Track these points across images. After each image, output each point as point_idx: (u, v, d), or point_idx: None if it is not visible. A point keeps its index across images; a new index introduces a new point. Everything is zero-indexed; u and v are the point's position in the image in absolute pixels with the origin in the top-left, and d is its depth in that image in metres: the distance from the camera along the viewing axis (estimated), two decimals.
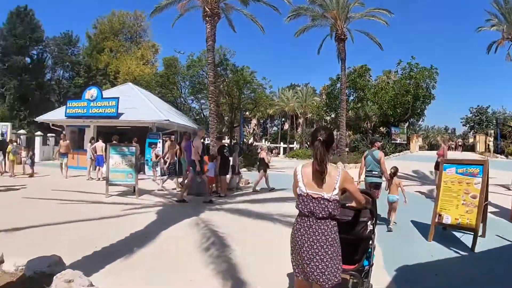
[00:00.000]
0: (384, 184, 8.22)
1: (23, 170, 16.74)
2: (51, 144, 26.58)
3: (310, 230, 2.78)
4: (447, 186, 6.87)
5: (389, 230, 7.26)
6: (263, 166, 13.12)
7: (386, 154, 27.65)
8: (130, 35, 51.31)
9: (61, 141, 16.75)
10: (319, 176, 2.78)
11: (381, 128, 36.19)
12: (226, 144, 13.80)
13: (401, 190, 7.61)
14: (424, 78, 31.89)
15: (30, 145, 20.67)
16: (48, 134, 26.86)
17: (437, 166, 12.20)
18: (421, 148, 34.28)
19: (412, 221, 8.00)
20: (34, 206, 9.26)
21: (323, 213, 2.75)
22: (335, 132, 37.13)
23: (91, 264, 4.78)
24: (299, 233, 2.83)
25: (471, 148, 37.93)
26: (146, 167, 18.37)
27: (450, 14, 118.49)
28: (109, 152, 11.41)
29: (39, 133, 26.52)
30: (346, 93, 33.25)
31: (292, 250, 2.94)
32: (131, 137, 17.23)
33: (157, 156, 16.48)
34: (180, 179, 13.09)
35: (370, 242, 3.61)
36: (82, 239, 6.07)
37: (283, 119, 72.64)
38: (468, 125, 45.43)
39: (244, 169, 19.46)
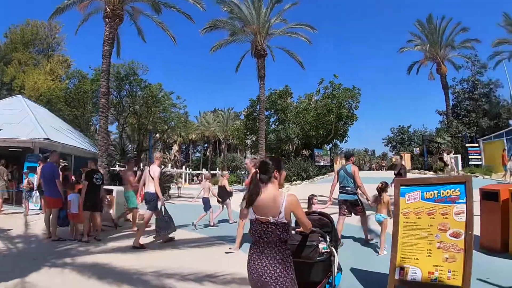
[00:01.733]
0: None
1: None
2: None
3: (262, 255, 2.80)
4: (410, 221, 4.65)
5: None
6: (226, 195, 11.06)
7: (310, 177, 26.40)
8: (42, 48, 46.15)
9: None
10: (264, 200, 2.86)
11: (303, 150, 34.57)
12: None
13: (389, 210, 6.71)
14: (347, 98, 30.84)
15: None
16: None
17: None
18: None
19: (355, 271, 5.70)
20: None
21: (272, 237, 2.78)
22: (254, 156, 35.29)
23: None
24: (251, 259, 2.86)
25: (390, 167, 37.16)
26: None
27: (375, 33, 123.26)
28: None
29: None
30: (266, 115, 32.28)
31: (248, 277, 2.91)
32: (11, 158, 14.36)
33: (29, 183, 12.99)
34: None
35: (331, 264, 3.60)
36: None
37: (205, 145, 70.06)
38: (390, 145, 46.21)
39: None
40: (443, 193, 4.47)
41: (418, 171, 27.87)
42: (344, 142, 35.80)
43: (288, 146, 32.77)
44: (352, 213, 7.73)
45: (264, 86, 26.39)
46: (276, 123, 34.19)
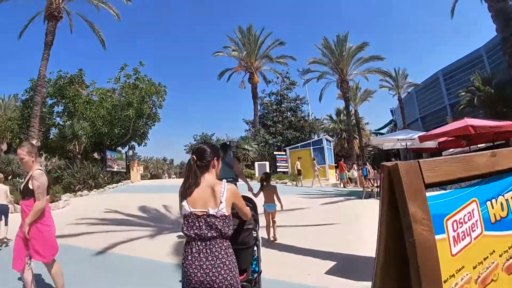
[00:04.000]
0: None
1: None
2: None
3: (201, 255, 2.35)
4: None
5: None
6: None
7: (100, 186, 20.90)
8: None
9: None
10: (202, 190, 2.49)
11: (94, 153, 28.17)
12: None
13: (277, 197, 7.13)
14: (151, 93, 26.06)
15: None
16: None
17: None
18: (143, 177, 28.03)
19: None
20: None
21: (212, 232, 2.37)
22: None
23: None
24: (187, 262, 2.38)
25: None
26: None
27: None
28: None
29: None
30: (50, 104, 26.26)
31: (186, 283, 2.40)
32: None
33: None
34: None
35: (256, 249, 3.35)
36: None
37: None
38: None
39: None
40: None
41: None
42: (143, 145, 30.60)
43: (74, 146, 25.94)
44: None
45: (48, 57, 20.65)
46: (62, 115, 27.07)
